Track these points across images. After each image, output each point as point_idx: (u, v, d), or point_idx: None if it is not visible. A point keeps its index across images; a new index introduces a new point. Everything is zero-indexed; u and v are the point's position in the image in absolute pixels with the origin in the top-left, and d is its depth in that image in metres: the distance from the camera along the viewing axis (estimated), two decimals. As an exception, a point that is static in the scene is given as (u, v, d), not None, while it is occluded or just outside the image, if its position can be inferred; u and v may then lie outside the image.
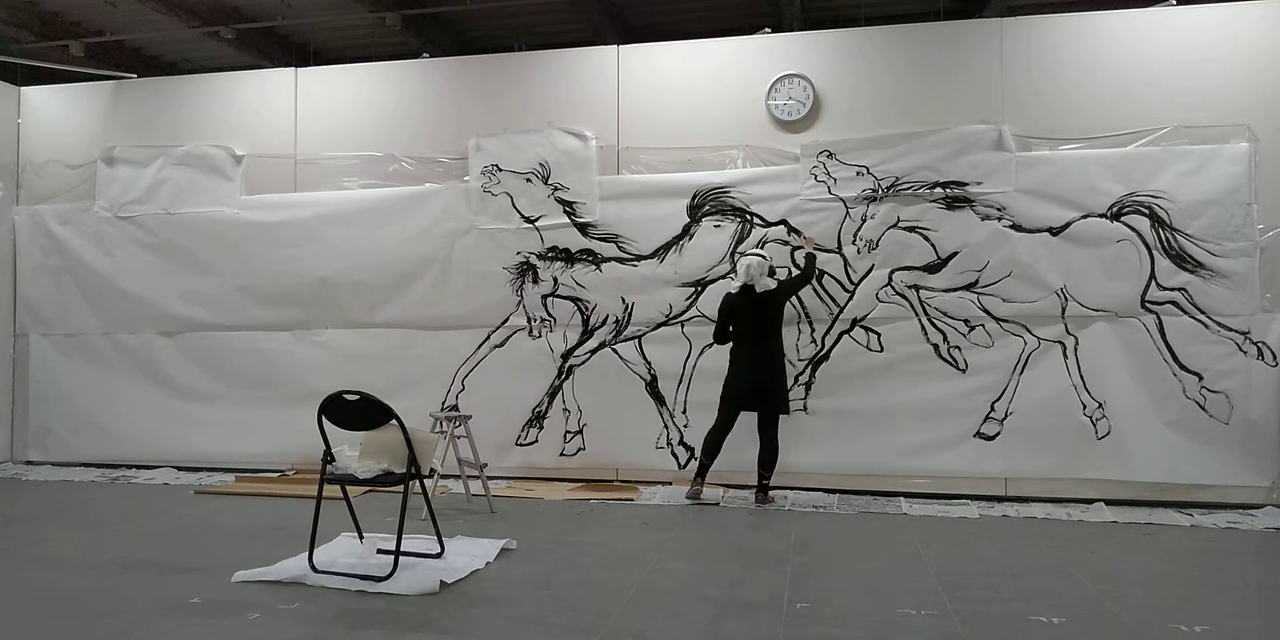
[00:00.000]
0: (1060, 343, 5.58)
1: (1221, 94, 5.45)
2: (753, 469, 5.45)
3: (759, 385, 5.36)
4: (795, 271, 5.79)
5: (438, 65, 6.71)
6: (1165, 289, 5.44)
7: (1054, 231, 5.57)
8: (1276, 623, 3.47)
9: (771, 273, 5.50)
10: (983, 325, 5.67)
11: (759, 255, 5.48)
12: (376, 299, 6.48)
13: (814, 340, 5.87)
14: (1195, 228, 5.40)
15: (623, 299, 6.14)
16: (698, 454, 5.97)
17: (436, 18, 7.50)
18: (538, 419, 6.26)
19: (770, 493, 5.47)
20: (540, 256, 6.25)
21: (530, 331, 6.26)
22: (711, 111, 6.10)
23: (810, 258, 5.61)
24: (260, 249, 6.66)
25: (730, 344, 5.54)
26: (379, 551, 4.09)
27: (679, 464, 6.04)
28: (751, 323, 5.40)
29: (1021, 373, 5.62)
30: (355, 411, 3.94)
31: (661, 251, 6.08)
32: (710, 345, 5.95)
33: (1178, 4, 5.63)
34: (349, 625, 3.29)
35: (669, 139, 6.14)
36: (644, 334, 6.12)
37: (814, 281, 5.77)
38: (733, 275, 5.72)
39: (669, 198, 6.07)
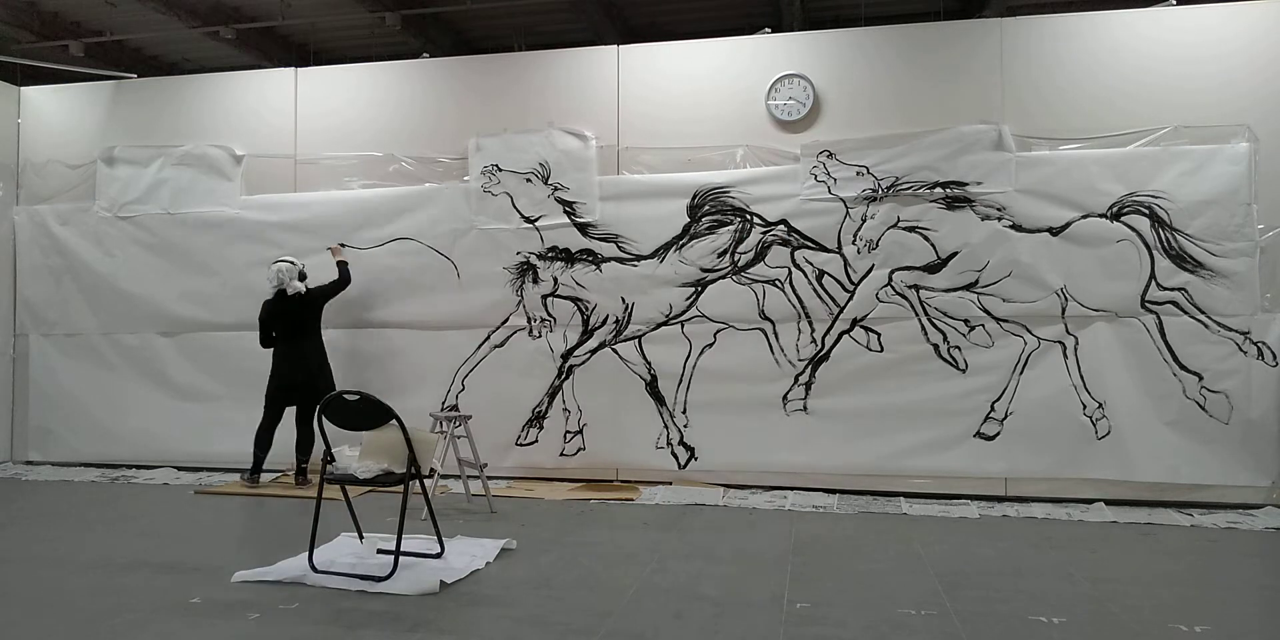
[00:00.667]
0: (1060, 343, 5.58)
1: (1221, 94, 5.45)
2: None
3: (298, 382, 5.98)
4: (795, 271, 5.81)
5: (438, 65, 6.71)
6: (1165, 289, 5.44)
7: (1054, 231, 5.57)
8: (1276, 623, 3.47)
9: (301, 277, 6.06)
10: (983, 325, 5.67)
11: (288, 261, 6.04)
12: (376, 299, 6.48)
13: (814, 340, 5.87)
14: (1195, 228, 5.40)
15: (623, 299, 6.14)
16: (698, 454, 6.00)
17: (436, 18, 7.50)
18: (538, 419, 6.26)
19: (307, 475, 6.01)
20: (540, 256, 6.25)
21: (530, 331, 6.26)
22: (711, 111, 6.10)
23: (342, 264, 6.20)
24: (260, 249, 6.65)
25: (272, 347, 6.08)
26: (379, 551, 4.09)
27: (679, 464, 6.04)
28: (288, 325, 6.00)
29: (1021, 373, 5.62)
30: (355, 411, 3.94)
31: (661, 251, 6.08)
32: (710, 345, 5.98)
33: (1178, 4, 5.63)
34: (349, 625, 3.29)
35: (669, 139, 6.14)
36: (644, 334, 6.12)
37: (815, 281, 5.79)
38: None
39: (669, 198, 6.07)
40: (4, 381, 7.11)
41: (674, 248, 6.05)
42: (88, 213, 6.99)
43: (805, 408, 5.86)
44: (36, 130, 7.24)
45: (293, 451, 6.36)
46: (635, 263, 6.11)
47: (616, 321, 6.16)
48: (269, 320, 6.06)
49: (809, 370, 5.88)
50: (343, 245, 6.39)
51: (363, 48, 7.93)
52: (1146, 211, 5.47)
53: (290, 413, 6.12)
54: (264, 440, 6.08)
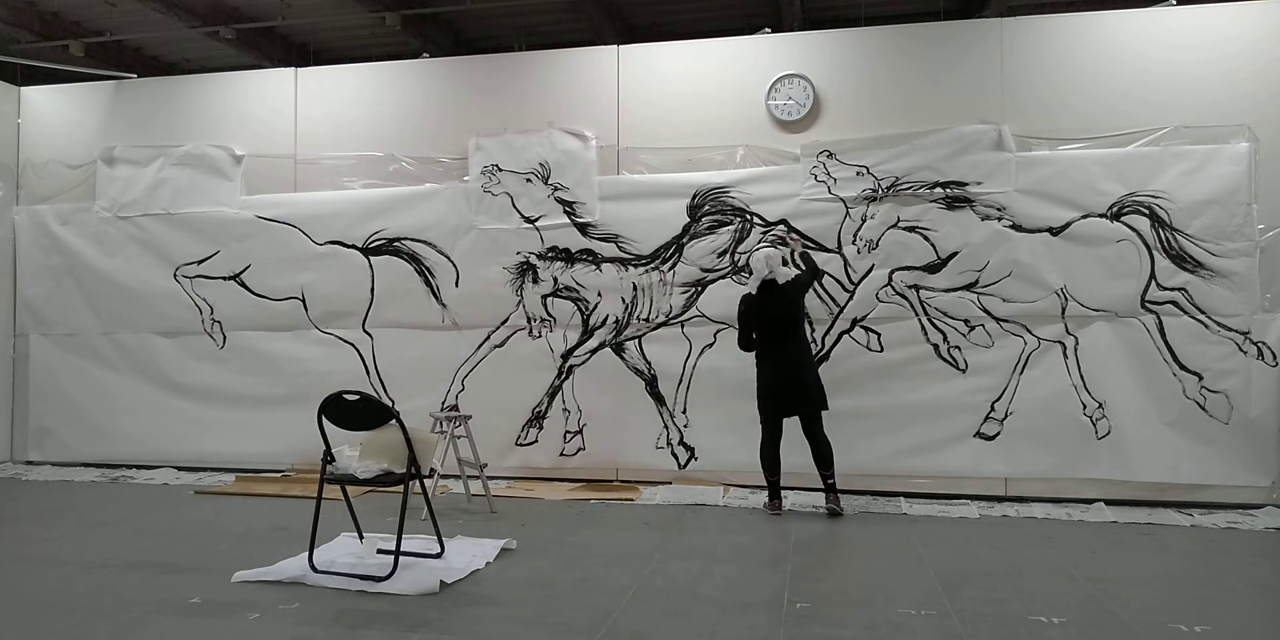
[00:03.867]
0: (1060, 343, 5.58)
1: (1221, 94, 5.45)
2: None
3: (794, 385, 5.10)
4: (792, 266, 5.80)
5: (438, 65, 6.71)
6: (1165, 289, 5.44)
7: (1054, 231, 5.57)
8: (1276, 623, 3.47)
9: (784, 263, 5.34)
10: (983, 325, 5.67)
11: (768, 245, 5.35)
12: (376, 299, 6.48)
13: (814, 340, 5.87)
14: (1195, 228, 5.40)
15: (622, 299, 6.14)
16: (698, 454, 5.99)
17: (436, 18, 7.50)
18: (538, 419, 6.26)
19: (839, 497, 5.20)
20: (540, 256, 6.25)
21: (530, 331, 6.26)
22: (711, 111, 6.10)
23: (806, 256, 5.48)
24: (260, 249, 6.66)
25: (755, 350, 5.26)
26: (379, 551, 4.09)
27: (679, 464, 6.04)
28: (776, 322, 5.16)
29: (1021, 373, 5.62)
30: (355, 411, 3.94)
31: (662, 251, 6.08)
32: (710, 345, 5.98)
33: (1178, 4, 5.63)
34: (349, 625, 3.29)
35: (669, 139, 6.14)
36: (644, 334, 6.12)
37: (815, 281, 5.79)
38: (746, 276, 5.62)
39: (669, 198, 6.07)
40: (4, 381, 7.11)
41: (674, 248, 6.05)
42: (88, 213, 6.99)
43: (805, 408, 5.85)
44: (36, 130, 7.24)
45: (292, 451, 6.39)
46: (635, 263, 6.11)
47: (616, 321, 6.16)
48: (751, 316, 5.22)
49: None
50: (794, 236, 5.76)
51: (363, 48, 7.93)
52: (1146, 211, 5.47)
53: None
54: (775, 461, 5.23)
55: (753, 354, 5.29)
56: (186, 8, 7.10)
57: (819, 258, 5.70)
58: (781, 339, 5.17)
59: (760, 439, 5.25)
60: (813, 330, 5.85)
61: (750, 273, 5.38)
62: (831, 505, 5.18)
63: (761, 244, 5.54)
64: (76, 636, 3.21)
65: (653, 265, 6.08)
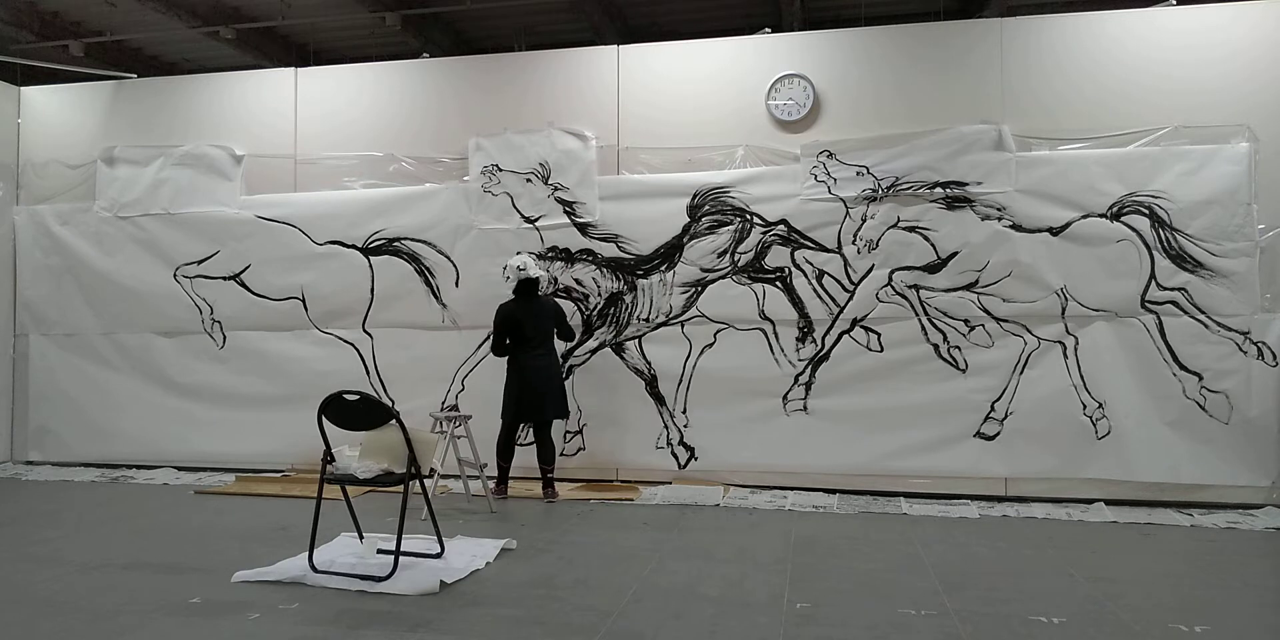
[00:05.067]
0: (1060, 343, 5.58)
1: (1221, 94, 5.45)
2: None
3: (537, 394, 5.55)
4: (794, 269, 5.82)
5: (438, 65, 6.71)
6: (1165, 289, 5.44)
7: (1054, 231, 5.57)
8: (1276, 623, 3.47)
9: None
10: (983, 325, 5.66)
11: (519, 252, 5.80)
12: (376, 299, 6.49)
13: (814, 340, 5.87)
14: (1195, 228, 5.40)
15: (622, 299, 6.14)
16: (698, 454, 6.00)
17: (436, 18, 7.50)
18: (538, 419, 6.26)
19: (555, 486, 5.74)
20: (540, 256, 6.24)
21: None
22: (711, 111, 6.10)
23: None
24: (260, 249, 6.66)
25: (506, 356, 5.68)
26: (379, 551, 4.09)
27: (679, 464, 6.04)
28: (530, 330, 5.58)
29: (1021, 373, 5.62)
30: (355, 411, 3.94)
31: (662, 251, 6.08)
32: (710, 345, 5.98)
33: (1178, 4, 5.63)
34: (349, 625, 3.29)
35: (669, 139, 6.14)
36: (644, 334, 6.12)
37: (815, 281, 5.81)
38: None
39: (669, 198, 6.07)
40: (4, 381, 7.11)
41: (674, 248, 6.05)
42: (88, 213, 6.99)
43: (805, 408, 5.86)
44: (36, 130, 7.24)
45: (292, 451, 6.39)
46: (635, 263, 6.11)
47: (616, 321, 6.16)
48: (514, 322, 5.55)
49: (809, 370, 5.88)
50: None
51: (363, 48, 7.93)
52: (1146, 211, 5.47)
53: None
54: (506, 448, 5.74)
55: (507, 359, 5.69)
56: (186, 8, 7.10)
57: (819, 258, 5.72)
58: (532, 349, 5.60)
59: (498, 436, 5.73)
60: (813, 330, 5.85)
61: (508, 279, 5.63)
62: (549, 497, 5.65)
63: (518, 253, 5.83)
64: (76, 636, 3.21)
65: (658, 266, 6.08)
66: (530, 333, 5.57)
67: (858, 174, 5.80)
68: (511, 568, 4.08)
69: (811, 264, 5.87)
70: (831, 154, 5.85)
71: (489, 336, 5.85)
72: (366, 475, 3.92)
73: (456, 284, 6.37)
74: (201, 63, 8.48)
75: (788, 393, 5.89)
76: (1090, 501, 5.43)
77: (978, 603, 3.55)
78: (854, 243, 5.82)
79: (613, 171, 6.21)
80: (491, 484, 5.61)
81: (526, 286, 5.61)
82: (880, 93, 5.89)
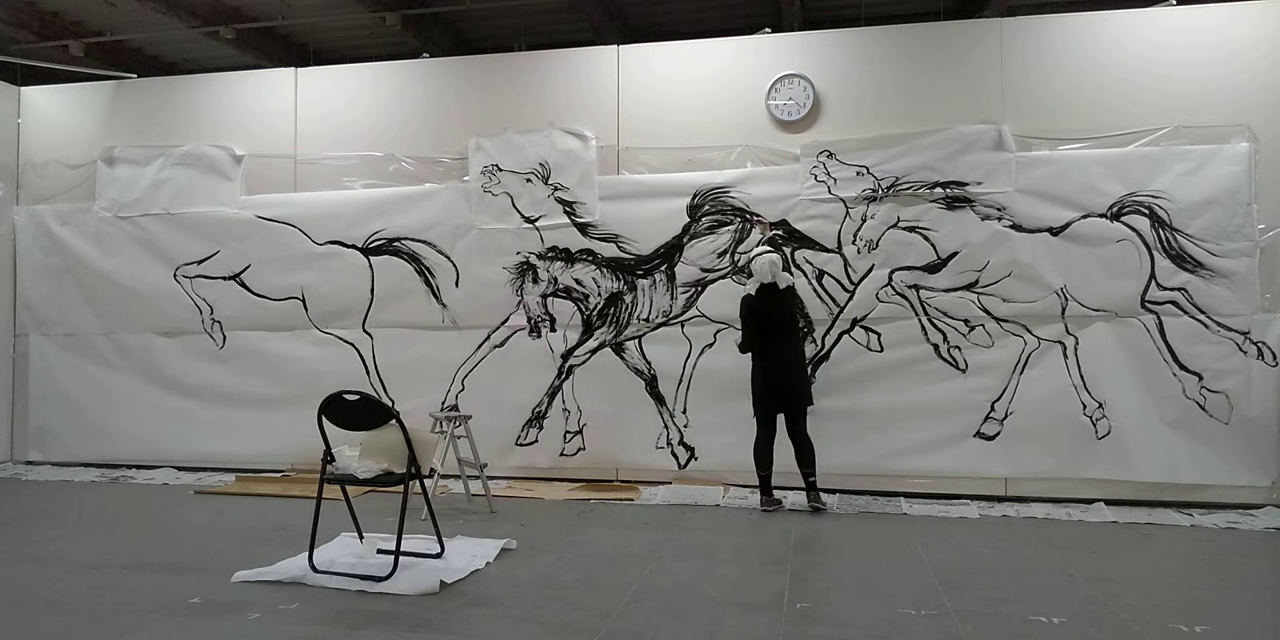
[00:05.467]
0: (1060, 343, 5.58)
1: (1221, 94, 5.45)
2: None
3: (785, 385, 5.27)
4: (794, 269, 5.81)
5: (438, 65, 6.71)
6: (1165, 289, 5.44)
7: (1054, 231, 5.57)
8: (1276, 623, 3.47)
9: (784, 267, 5.47)
10: (983, 325, 5.66)
11: (770, 251, 5.41)
12: (376, 299, 6.49)
13: (814, 340, 5.87)
14: (1195, 228, 5.40)
15: (622, 299, 6.14)
16: (698, 454, 5.99)
17: (436, 18, 7.50)
18: (538, 419, 6.26)
19: (820, 493, 5.34)
20: (540, 256, 6.25)
21: (530, 331, 6.26)
22: (711, 111, 6.10)
23: (774, 240, 5.66)
24: (260, 249, 6.66)
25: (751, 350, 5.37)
26: (379, 551, 4.09)
27: (679, 464, 6.04)
28: (775, 325, 5.29)
29: (1021, 373, 5.62)
30: (355, 411, 3.94)
31: (662, 251, 6.08)
32: (710, 345, 5.98)
33: (1178, 4, 5.63)
34: (349, 625, 3.29)
35: (669, 139, 6.14)
36: (644, 334, 6.12)
37: (815, 281, 5.81)
38: (746, 276, 5.67)
39: (669, 198, 6.07)
40: (4, 381, 7.11)
41: (674, 248, 6.05)
42: (88, 213, 6.99)
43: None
44: (36, 130, 7.24)
45: (292, 451, 6.38)
46: (635, 263, 6.11)
47: (616, 321, 6.16)
48: (753, 318, 5.33)
49: (809, 370, 5.87)
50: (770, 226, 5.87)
51: (363, 48, 7.93)
52: (1146, 211, 5.47)
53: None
54: (766, 456, 5.36)
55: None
56: (186, 8, 7.10)
57: (819, 258, 5.73)
58: (778, 342, 5.30)
59: (755, 436, 5.37)
60: (812, 331, 5.86)
61: (750, 274, 5.44)
62: (814, 503, 5.29)
63: (762, 247, 5.53)
64: (76, 636, 3.21)
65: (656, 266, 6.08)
66: (774, 325, 5.28)
67: (858, 174, 5.80)
68: (511, 568, 4.08)
69: (811, 264, 5.87)
70: (831, 154, 5.85)
71: (742, 331, 5.40)
72: (366, 475, 3.92)
73: (456, 284, 6.37)
74: (201, 63, 8.48)
75: (788, 393, 5.88)
76: (1090, 501, 5.43)
77: (978, 603, 3.55)
78: (854, 243, 5.82)
79: (613, 171, 6.21)
80: (757, 497, 5.39)
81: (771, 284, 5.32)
82: (880, 93, 5.89)
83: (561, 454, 6.23)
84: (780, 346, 5.30)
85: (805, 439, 5.34)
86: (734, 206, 5.97)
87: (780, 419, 5.37)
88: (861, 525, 4.98)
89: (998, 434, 5.62)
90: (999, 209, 5.62)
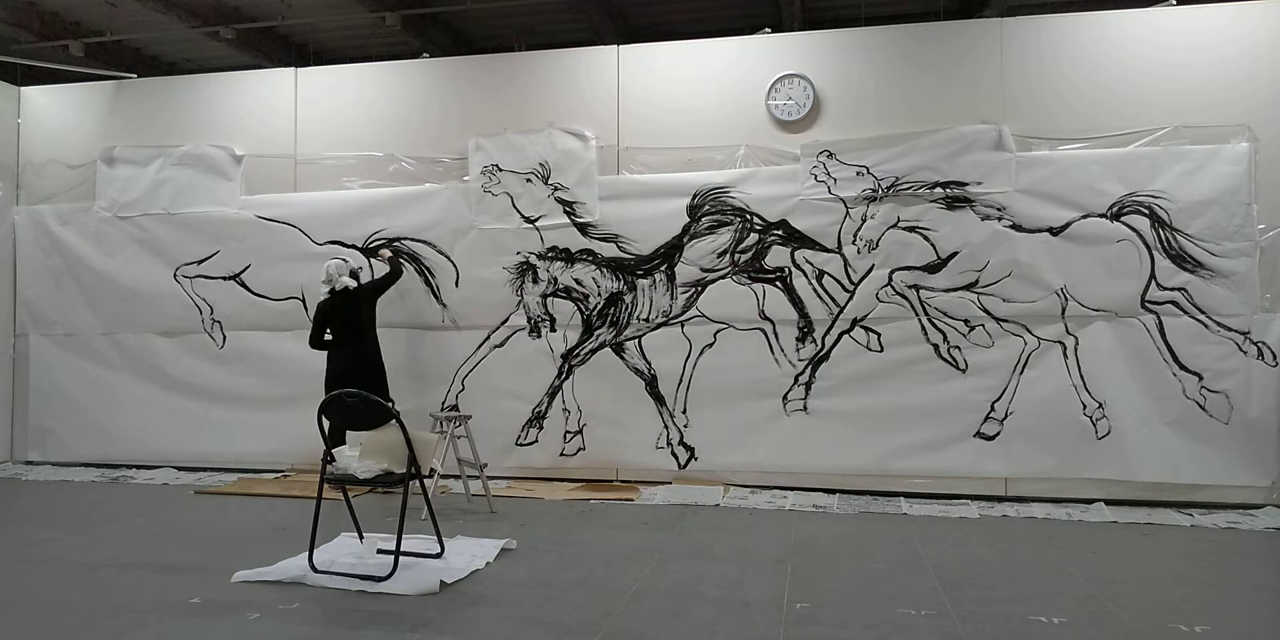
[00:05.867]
0: (1060, 343, 5.58)
1: (1221, 94, 5.45)
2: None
3: (354, 379, 5.62)
4: (794, 269, 5.82)
5: (438, 65, 6.70)
6: (1165, 289, 5.44)
7: (1054, 231, 5.57)
8: (1276, 623, 3.47)
9: (353, 274, 5.92)
10: (983, 325, 5.66)
11: (339, 258, 5.96)
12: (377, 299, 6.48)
13: (814, 340, 5.87)
14: (1195, 228, 5.40)
15: (622, 299, 6.14)
16: (698, 454, 6.00)
17: (436, 18, 7.50)
18: (538, 419, 6.26)
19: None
20: (540, 256, 6.25)
21: (530, 331, 6.26)
22: (711, 111, 6.10)
23: (393, 260, 6.16)
24: (260, 249, 6.66)
25: (324, 349, 5.86)
26: (379, 551, 4.09)
27: (679, 464, 6.04)
28: (345, 324, 5.81)
29: (1021, 373, 5.62)
30: (355, 411, 3.94)
31: (662, 251, 6.08)
32: (710, 345, 5.98)
33: (1178, 4, 5.63)
34: (349, 625, 3.29)
35: (669, 139, 6.14)
36: (644, 334, 6.12)
37: (815, 281, 5.81)
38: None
39: (669, 198, 6.07)
40: (4, 381, 7.11)
41: (675, 248, 6.06)
42: (88, 213, 6.99)
43: (805, 408, 5.86)
44: (36, 130, 7.24)
45: (292, 451, 6.39)
46: (635, 263, 6.11)
47: (616, 321, 6.16)
48: (322, 319, 5.84)
49: (809, 370, 5.88)
50: (386, 246, 6.37)
51: (363, 48, 7.93)
52: (1146, 211, 5.47)
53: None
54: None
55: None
56: (186, 8, 7.10)
57: (819, 258, 5.73)
58: (348, 341, 5.83)
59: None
60: (812, 331, 5.85)
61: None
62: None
63: (335, 257, 6.02)
64: (76, 636, 3.21)
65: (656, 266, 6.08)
66: (344, 326, 5.83)
67: (858, 174, 5.80)
68: (511, 568, 4.08)
69: (811, 264, 5.87)
70: (831, 154, 5.85)
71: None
72: (366, 475, 3.92)
73: (456, 284, 6.37)
74: (201, 63, 8.48)
75: (788, 393, 5.89)
76: (1090, 501, 5.43)
77: (978, 603, 3.55)
78: (854, 243, 5.82)
79: (613, 171, 6.21)
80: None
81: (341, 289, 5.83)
82: (880, 93, 5.89)
83: (561, 454, 6.23)
84: (349, 346, 5.81)
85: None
86: (734, 206, 5.97)
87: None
88: (861, 525, 4.98)
89: (998, 434, 5.62)
90: (999, 209, 5.62)
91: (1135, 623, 3.33)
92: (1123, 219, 5.49)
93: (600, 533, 4.81)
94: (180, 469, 6.77)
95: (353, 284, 5.85)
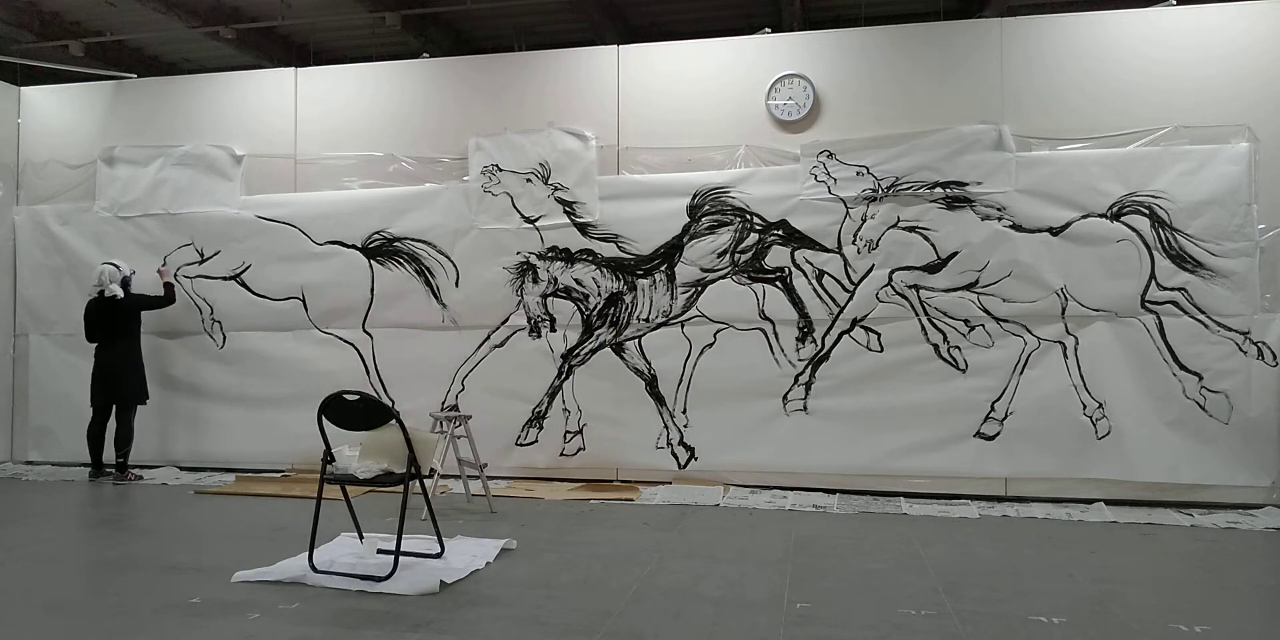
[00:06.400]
0: (1060, 343, 5.58)
1: (1221, 94, 5.45)
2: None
3: (111, 379, 6.39)
4: (794, 269, 5.83)
5: (438, 65, 6.70)
6: (1165, 289, 5.44)
7: (1054, 231, 5.57)
8: (1276, 623, 3.47)
9: (124, 283, 6.43)
10: (983, 325, 5.66)
11: (113, 264, 6.44)
12: (376, 299, 6.49)
13: (814, 340, 5.87)
14: (1195, 228, 5.40)
15: (622, 299, 6.14)
16: (698, 454, 6.00)
17: (436, 18, 7.50)
18: (538, 419, 6.26)
19: (129, 470, 6.41)
20: (540, 256, 6.25)
21: (530, 331, 6.26)
22: (711, 111, 6.10)
23: (168, 286, 6.59)
24: (260, 249, 6.66)
25: (96, 344, 6.44)
26: (379, 551, 4.09)
27: (679, 464, 6.04)
28: (106, 327, 6.38)
29: (1021, 373, 5.62)
30: (355, 411, 3.94)
31: (662, 251, 6.09)
32: (710, 345, 5.99)
33: (1178, 4, 5.63)
34: (349, 625, 3.29)
35: (669, 139, 6.14)
36: (644, 334, 6.12)
37: (815, 281, 5.81)
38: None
39: (669, 198, 6.07)
40: (4, 381, 7.11)
41: (675, 248, 6.06)
42: (88, 213, 6.99)
43: (805, 408, 5.86)
44: (36, 130, 7.24)
45: (292, 451, 6.39)
46: (635, 263, 6.11)
47: (616, 321, 6.16)
48: (90, 320, 6.43)
49: (809, 370, 5.88)
50: (164, 266, 6.73)
51: (363, 48, 7.93)
52: (1146, 211, 5.47)
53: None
54: (98, 438, 6.46)
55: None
56: (186, 8, 7.10)
57: (819, 258, 5.75)
58: (108, 342, 6.41)
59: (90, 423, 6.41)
60: (812, 331, 5.85)
61: None
62: (118, 480, 6.34)
63: (108, 262, 6.48)
64: (76, 636, 3.21)
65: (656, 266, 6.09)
66: (105, 329, 6.39)
67: (858, 174, 5.80)
68: (511, 568, 4.08)
69: (811, 264, 5.87)
70: (831, 154, 5.85)
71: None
72: (366, 475, 3.92)
73: (456, 284, 6.37)
74: (201, 63, 8.48)
75: (788, 393, 5.89)
76: (1090, 501, 5.43)
77: (978, 603, 3.55)
78: (854, 243, 5.82)
79: (613, 171, 6.21)
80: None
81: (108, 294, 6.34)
82: (880, 93, 5.89)
83: (561, 454, 6.23)
84: (109, 347, 6.39)
85: (123, 425, 6.40)
86: (734, 206, 5.97)
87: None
88: (861, 525, 4.98)
89: (998, 434, 5.62)
90: (999, 209, 5.62)
91: (1135, 623, 3.33)
92: (1123, 219, 5.49)
93: (600, 533, 4.81)
94: (180, 469, 6.77)
95: (119, 293, 6.35)
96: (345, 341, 6.56)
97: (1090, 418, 5.50)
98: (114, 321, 6.39)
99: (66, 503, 5.67)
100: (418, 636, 3.18)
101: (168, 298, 6.55)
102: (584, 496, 5.75)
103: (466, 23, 7.72)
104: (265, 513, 5.30)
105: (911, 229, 5.74)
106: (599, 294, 6.17)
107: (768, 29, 6.33)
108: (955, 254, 5.68)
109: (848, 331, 5.83)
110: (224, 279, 6.74)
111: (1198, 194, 5.40)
